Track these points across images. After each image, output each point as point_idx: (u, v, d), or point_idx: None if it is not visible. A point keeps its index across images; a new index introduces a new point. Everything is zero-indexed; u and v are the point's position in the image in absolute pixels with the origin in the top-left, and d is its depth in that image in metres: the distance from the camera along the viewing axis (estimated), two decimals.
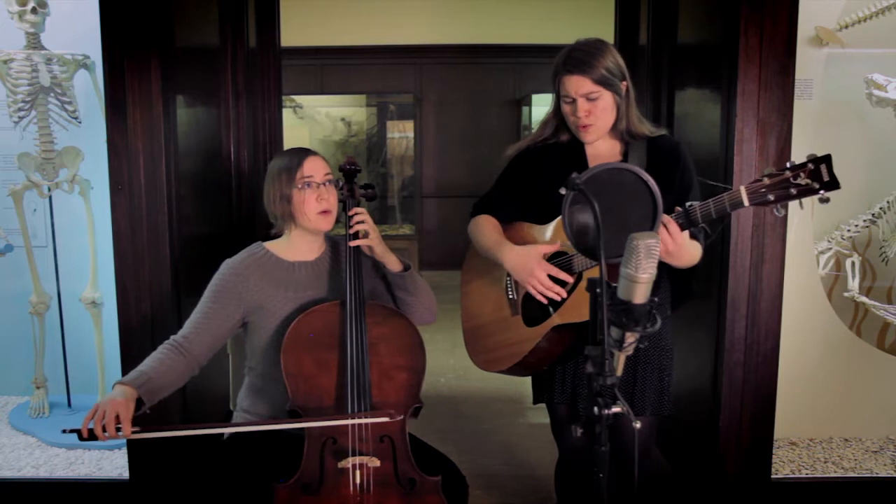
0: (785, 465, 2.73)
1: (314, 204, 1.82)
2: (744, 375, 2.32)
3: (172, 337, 1.81)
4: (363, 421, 1.68)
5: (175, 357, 1.77)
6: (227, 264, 1.88)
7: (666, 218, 1.58)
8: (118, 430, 1.58)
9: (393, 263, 1.87)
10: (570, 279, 1.76)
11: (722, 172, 2.28)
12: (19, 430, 3.01)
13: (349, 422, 1.68)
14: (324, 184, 1.84)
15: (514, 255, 1.82)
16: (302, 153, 1.85)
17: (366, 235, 1.82)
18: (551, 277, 1.77)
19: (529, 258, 1.78)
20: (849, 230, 2.96)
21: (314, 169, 1.83)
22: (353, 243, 1.81)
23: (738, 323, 2.29)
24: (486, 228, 1.94)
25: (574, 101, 1.79)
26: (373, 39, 6.58)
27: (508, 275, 1.91)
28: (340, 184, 1.91)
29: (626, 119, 1.83)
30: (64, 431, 1.63)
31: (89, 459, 2.75)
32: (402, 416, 1.71)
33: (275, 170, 1.85)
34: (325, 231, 1.88)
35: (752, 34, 2.19)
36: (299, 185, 1.81)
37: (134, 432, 1.59)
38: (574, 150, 1.88)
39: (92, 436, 1.58)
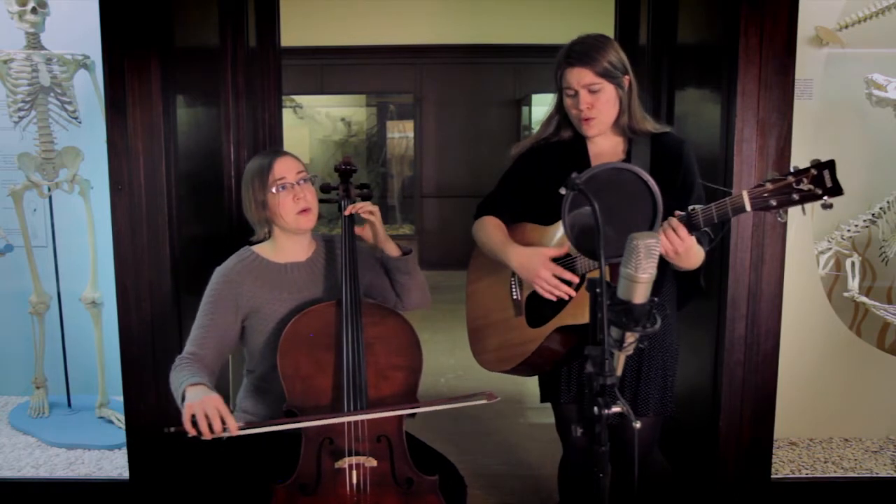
0: (785, 465, 2.73)
1: (291, 205, 1.81)
2: (744, 375, 2.31)
3: (179, 356, 1.78)
4: (461, 405, 1.69)
5: (200, 367, 1.75)
6: (218, 273, 1.86)
7: (675, 223, 1.58)
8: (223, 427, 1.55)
9: (392, 249, 1.88)
10: (575, 279, 1.76)
11: (722, 172, 2.28)
12: (19, 430, 3.01)
13: (448, 406, 1.71)
14: (298, 183, 1.82)
15: (520, 255, 1.83)
16: (271, 155, 1.84)
17: (369, 220, 1.84)
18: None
19: (535, 258, 1.78)
20: (849, 230, 2.96)
21: (285, 170, 1.82)
22: (349, 210, 1.83)
23: (738, 323, 2.29)
24: (491, 230, 1.94)
25: (576, 93, 1.79)
26: (373, 39, 6.58)
27: (513, 275, 1.92)
28: (336, 184, 1.91)
29: (629, 113, 1.84)
30: (166, 431, 1.58)
31: (89, 459, 2.75)
32: (498, 398, 1.70)
33: (248, 176, 1.84)
34: (307, 229, 1.88)
35: (752, 34, 2.19)
36: (273, 189, 1.80)
37: (240, 428, 1.57)
38: (576, 148, 1.89)
39: (196, 432, 1.54)
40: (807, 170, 1.47)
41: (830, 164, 1.45)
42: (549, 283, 1.76)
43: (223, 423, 1.54)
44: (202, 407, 1.54)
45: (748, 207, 1.52)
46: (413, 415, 1.75)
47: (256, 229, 1.89)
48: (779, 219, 1.53)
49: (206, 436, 1.53)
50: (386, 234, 1.88)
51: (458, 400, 1.70)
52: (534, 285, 1.79)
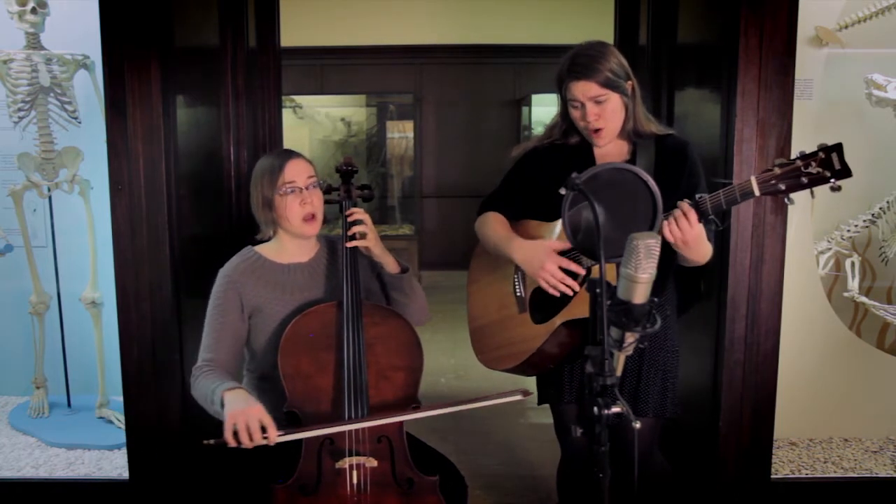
0: (785, 465, 2.73)
1: (298, 209, 1.80)
2: (744, 375, 2.31)
3: (196, 366, 1.77)
4: (494, 402, 1.68)
5: (224, 373, 1.75)
6: (221, 275, 1.86)
7: (685, 208, 1.58)
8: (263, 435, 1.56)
9: (391, 265, 1.87)
10: (581, 271, 1.74)
11: (722, 173, 2.28)
12: (19, 430, 3.01)
13: (484, 403, 1.68)
14: (307, 188, 1.81)
15: (524, 248, 1.82)
16: (283, 156, 1.82)
17: (363, 237, 1.81)
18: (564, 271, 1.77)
19: (540, 251, 1.77)
20: (849, 230, 2.96)
21: (296, 174, 1.80)
22: (350, 244, 1.81)
23: (738, 323, 2.29)
24: (494, 224, 1.93)
25: (583, 105, 1.79)
26: (373, 39, 6.58)
27: (516, 272, 1.92)
28: (337, 185, 1.91)
29: (634, 118, 1.83)
30: (205, 443, 1.58)
31: (89, 459, 2.75)
32: (532, 393, 1.69)
33: (257, 174, 1.83)
34: (311, 235, 1.87)
35: (752, 34, 2.19)
36: (281, 192, 1.79)
37: (279, 435, 1.58)
38: (582, 152, 1.88)
39: (236, 443, 1.55)
40: (815, 153, 1.47)
41: (838, 147, 1.45)
42: (555, 276, 1.74)
43: (264, 431, 1.55)
44: (244, 419, 1.54)
45: (757, 192, 1.52)
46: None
47: (261, 228, 1.89)
48: (787, 201, 1.53)
49: (247, 445, 1.54)
50: (383, 249, 1.86)
51: (493, 398, 1.69)
52: (538, 279, 1.78)
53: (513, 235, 1.87)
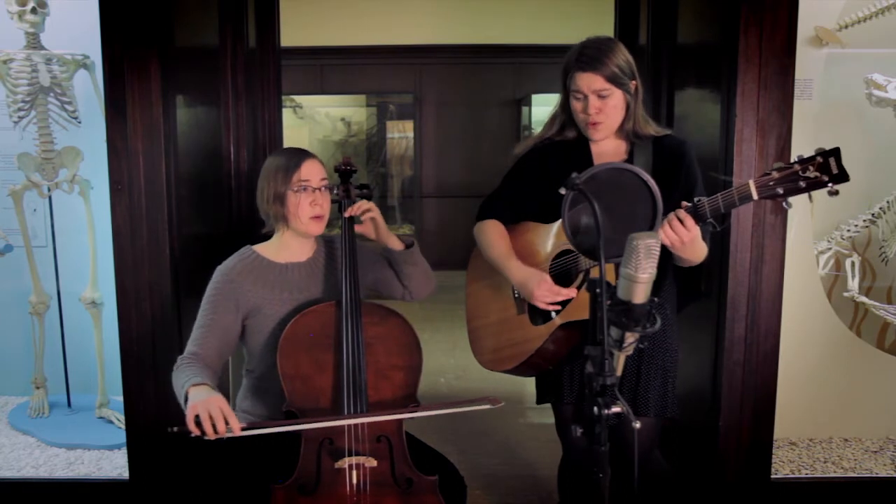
0: (785, 465, 2.73)
1: (308, 208, 1.82)
2: (744, 375, 2.31)
3: (181, 356, 1.77)
4: (466, 409, 1.69)
5: (202, 367, 1.74)
6: (219, 272, 1.87)
7: (681, 213, 1.59)
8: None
9: (395, 244, 1.91)
10: (573, 294, 1.78)
11: (722, 173, 2.28)
12: (19, 430, 3.01)
13: (451, 411, 1.70)
14: (319, 189, 1.84)
15: (520, 273, 1.84)
16: (300, 155, 1.85)
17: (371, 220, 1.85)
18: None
19: (533, 281, 1.80)
20: (849, 230, 2.96)
21: (311, 173, 1.83)
22: (349, 213, 1.84)
23: (738, 323, 2.29)
24: (493, 238, 1.94)
25: (585, 97, 1.80)
26: (373, 39, 6.58)
27: None
28: (336, 185, 1.92)
29: (633, 118, 1.84)
30: (169, 431, 1.57)
31: (89, 459, 2.75)
32: (502, 403, 1.70)
33: (272, 168, 1.85)
34: (315, 235, 1.89)
35: (751, 34, 2.19)
36: (294, 188, 1.81)
37: (243, 429, 1.57)
38: (580, 149, 1.89)
39: (199, 432, 1.54)
40: (812, 158, 1.48)
41: (836, 152, 1.46)
42: (545, 301, 1.78)
43: (227, 423, 1.54)
44: (206, 407, 1.54)
45: (755, 196, 1.53)
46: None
47: (267, 222, 1.90)
48: (785, 205, 1.54)
49: (210, 436, 1.53)
50: (388, 230, 1.90)
51: (462, 405, 1.70)
52: (532, 302, 1.81)
53: (511, 255, 1.89)
